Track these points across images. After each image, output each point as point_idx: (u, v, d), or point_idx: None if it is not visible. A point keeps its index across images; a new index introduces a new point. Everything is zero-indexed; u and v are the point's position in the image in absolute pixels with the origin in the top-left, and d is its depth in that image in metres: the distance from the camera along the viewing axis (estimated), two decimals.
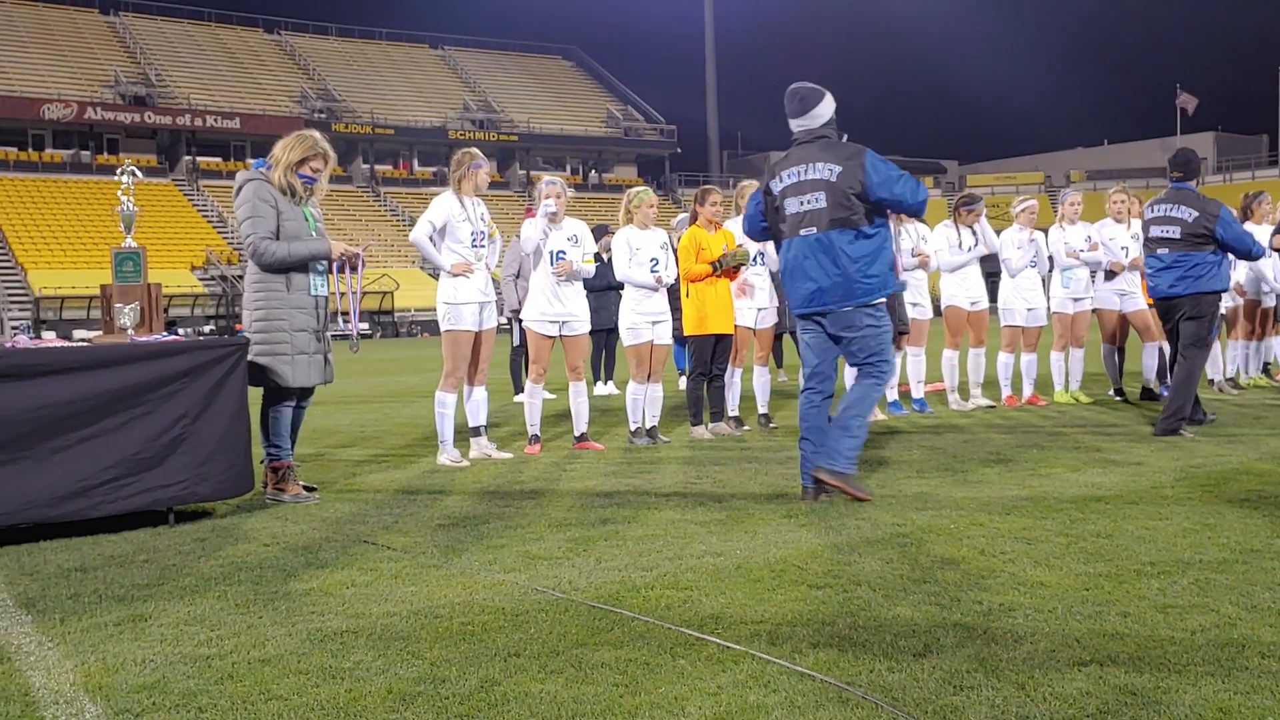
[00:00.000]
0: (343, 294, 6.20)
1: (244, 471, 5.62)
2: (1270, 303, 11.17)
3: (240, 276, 48.46)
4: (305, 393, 6.26)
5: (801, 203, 5.67)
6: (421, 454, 7.95)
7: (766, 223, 5.98)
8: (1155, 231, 7.92)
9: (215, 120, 60.52)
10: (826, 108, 5.77)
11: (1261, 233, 11.07)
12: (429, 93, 71.87)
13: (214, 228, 55.61)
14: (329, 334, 6.24)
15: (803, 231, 5.67)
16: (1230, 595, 3.71)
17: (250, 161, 6.15)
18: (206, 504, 5.73)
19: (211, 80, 64.67)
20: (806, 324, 5.87)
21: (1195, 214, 7.74)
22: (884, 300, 5.74)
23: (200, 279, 49.87)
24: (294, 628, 3.64)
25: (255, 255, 5.94)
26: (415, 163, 68.27)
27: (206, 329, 40.67)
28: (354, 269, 6.24)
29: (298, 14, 77.36)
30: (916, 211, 5.79)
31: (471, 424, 7.62)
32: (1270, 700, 2.79)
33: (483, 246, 7.30)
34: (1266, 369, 11.72)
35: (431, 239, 7.24)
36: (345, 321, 6.31)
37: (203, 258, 51.53)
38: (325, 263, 6.10)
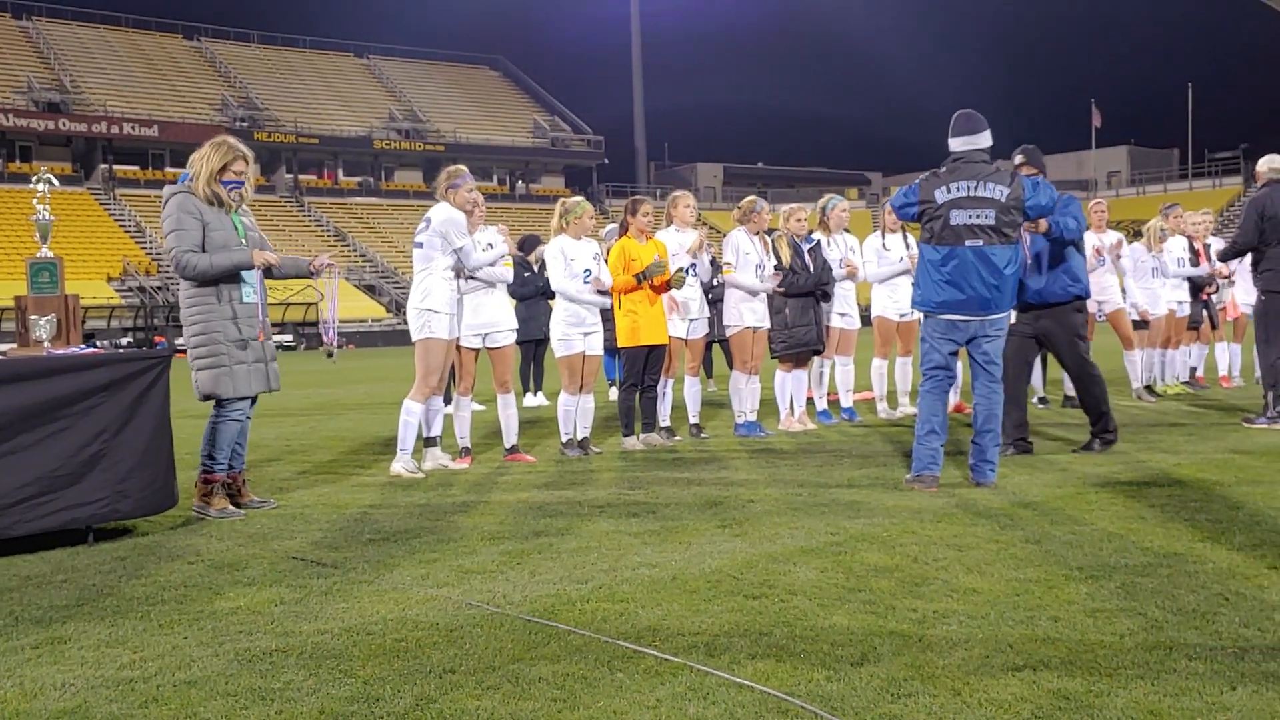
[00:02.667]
0: (316, 301, 6.22)
1: (167, 487, 5.48)
2: (1184, 312, 11.49)
3: (159, 288, 47.55)
4: (250, 402, 6.15)
5: (970, 216, 6.21)
6: (351, 468, 7.82)
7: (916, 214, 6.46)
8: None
9: (133, 128, 59.19)
10: (989, 134, 6.39)
11: (1176, 244, 11.41)
12: (354, 102, 71.11)
13: (132, 238, 54.36)
14: (270, 341, 6.12)
15: (969, 243, 6.20)
16: (1156, 599, 3.79)
17: (178, 173, 6.03)
18: (128, 522, 5.57)
19: (129, 87, 63.28)
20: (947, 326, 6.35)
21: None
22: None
23: (118, 290, 48.68)
24: (221, 648, 3.54)
25: (179, 269, 5.86)
26: (340, 172, 67.43)
27: (125, 341, 39.65)
28: (316, 275, 6.27)
29: (218, 21, 76.03)
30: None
31: (427, 434, 7.55)
32: (1198, 702, 2.85)
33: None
34: (1193, 374, 12.05)
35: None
36: (325, 331, 6.35)
37: (120, 268, 50.34)
38: (253, 272, 5.98)
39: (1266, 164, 8.90)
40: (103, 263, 50.30)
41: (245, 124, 62.60)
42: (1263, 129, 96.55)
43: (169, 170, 59.08)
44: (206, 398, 5.94)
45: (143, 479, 5.36)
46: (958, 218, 6.21)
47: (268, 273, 6.35)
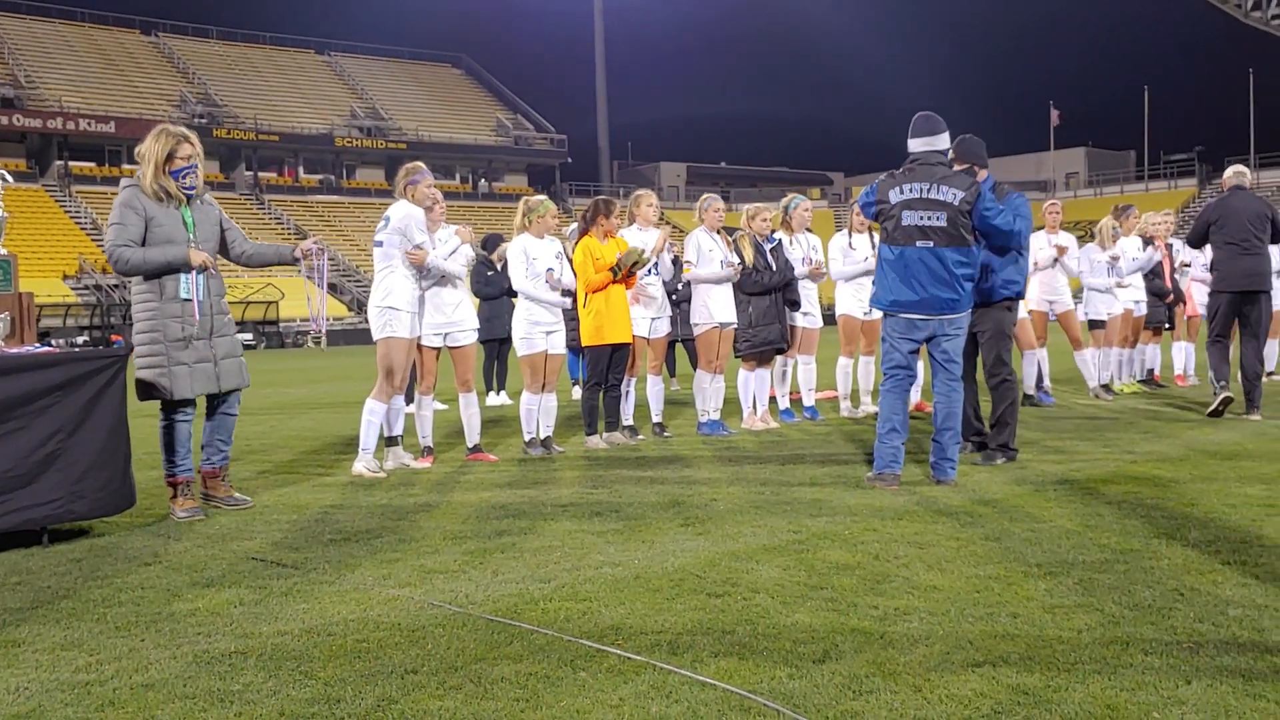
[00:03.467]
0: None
1: (123, 488, 5.40)
2: (1141, 311, 11.64)
3: (116, 285, 46.91)
4: (222, 399, 6.06)
5: (921, 217, 6.27)
6: (312, 468, 7.76)
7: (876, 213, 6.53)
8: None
9: (89, 124, 58.41)
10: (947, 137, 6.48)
11: (1130, 244, 11.54)
12: (315, 99, 70.55)
13: (88, 235, 53.63)
14: (224, 337, 6.03)
15: (919, 244, 6.26)
16: (1113, 594, 3.84)
17: (135, 170, 5.93)
18: (84, 523, 5.49)
19: (85, 82, 62.43)
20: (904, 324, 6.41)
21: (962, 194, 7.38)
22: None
23: (73, 288, 48.03)
24: (178, 650, 3.50)
25: (112, 263, 5.78)
26: (301, 170, 66.89)
27: (81, 340, 39.07)
28: (308, 263, 6.29)
29: (177, 16, 74.96)
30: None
31: (388, 433, 7.50)
32: (1154, 697, 2.89)
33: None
34: (1150, 374, 12.20)
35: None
36: (313, 320, 6.33)
37: (76, 266, 49.65)
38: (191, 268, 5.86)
39: (1232, 173, 9.44)
40: (58, 260, 49.60)
41: (204, 120, 61.96)
42: (1217, 132, 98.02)
43: (125, 167, 58.31)
44: (144, 398, 5.80)
45: (99, 479, 5.28)
46: (909, 218, 6.28)
47: (248, 262, 6.30)
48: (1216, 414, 8.96)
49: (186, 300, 5.81)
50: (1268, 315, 9.31)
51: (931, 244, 6.24)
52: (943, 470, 6.31)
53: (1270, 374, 12.68)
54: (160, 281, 5.77)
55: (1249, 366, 9.10)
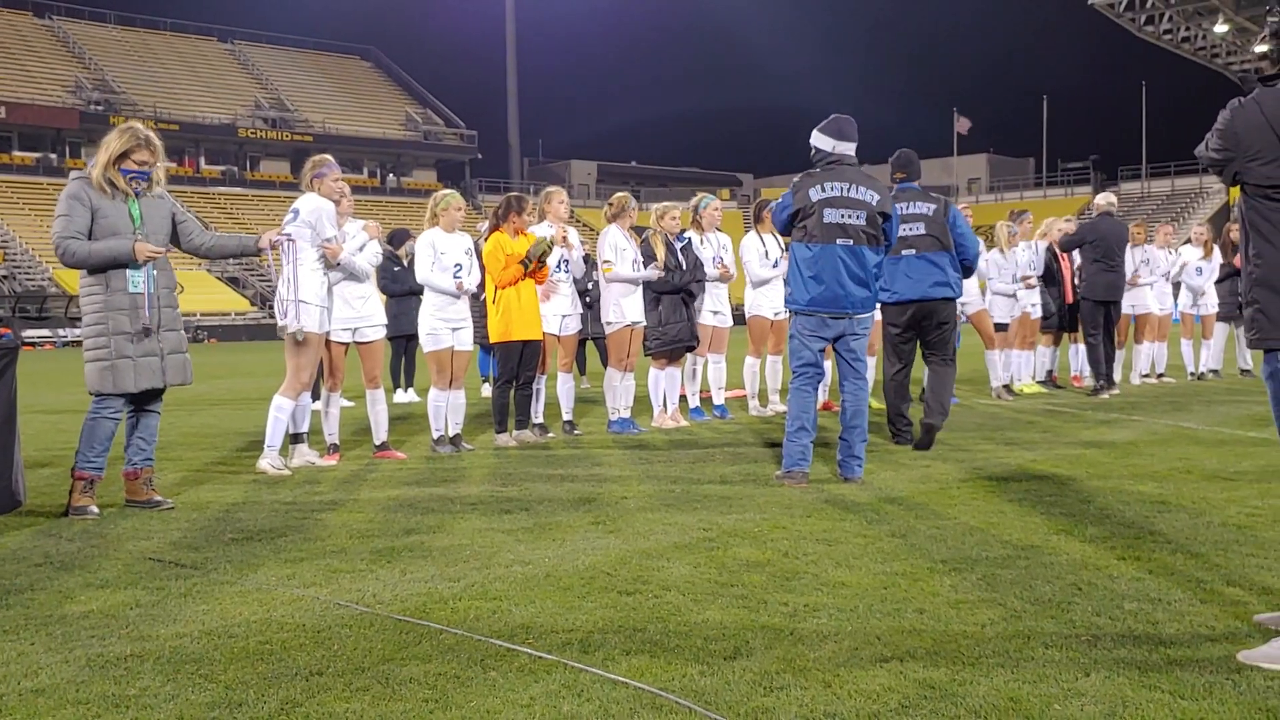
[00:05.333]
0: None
1: (9, 488, 5.20)
2: (1037, 314, 11.93)
3: (5, 277, 45.21)
4: (148, 397, 5.90)
5: (843, 215, 6.36)
6: (213, 465, 7.56)
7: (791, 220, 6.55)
8: (899, 231, 7.36)
9: None
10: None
11: (1023, 246, 11.83)
12: (217, 88, 68.81)
13: None
14: (172, 331, 5.86)
15: (840, 241, 6.33)
16: (1015, 589, 3.92)
17: (27, 156, 5.82)
18: None
19: None
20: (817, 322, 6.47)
21: (934, 206, 7.79)
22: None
23: None
24: (71, 654, 3.38)
25: (58, 255, 5.68)
26: (202, 161, 65.20)
27: None
28: (276, 255, 6.29)
29: None
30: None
31: (293, 430, 7.34)
32: (1055, 689, 2.95)
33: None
34: (1050, 377, 12.51)
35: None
36: (284, 309, 6.60)
37: None
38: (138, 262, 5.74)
39: (1104, 200, 11.69)
40: None
41: (100, 107, 60.03)
42: (1111, 142, 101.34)
43: (17, 154, 56.31)
44: (91, 391, 5.71)
45: None
46: (830, 216, 6.34)
47: (206, 254, 6.20)
48: (1096, 393, 11.08)
49: (134, 293, 5.71)
50: (1118, 317, 11.48)
51: (851, 242, 6.32)
52: (850, 468, 6.40)
53: (1160, 375, 13.16)
54: (107, 275, 5.68)
55: (1108, 357, 11.32)
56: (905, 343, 8.00)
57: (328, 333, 7.26)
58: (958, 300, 8.16)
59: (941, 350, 7.92)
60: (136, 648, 3.42)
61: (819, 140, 6.52)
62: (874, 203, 6.37)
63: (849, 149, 6.51)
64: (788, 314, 10.11)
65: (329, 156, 7.41)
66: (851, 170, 6.46)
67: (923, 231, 7.77)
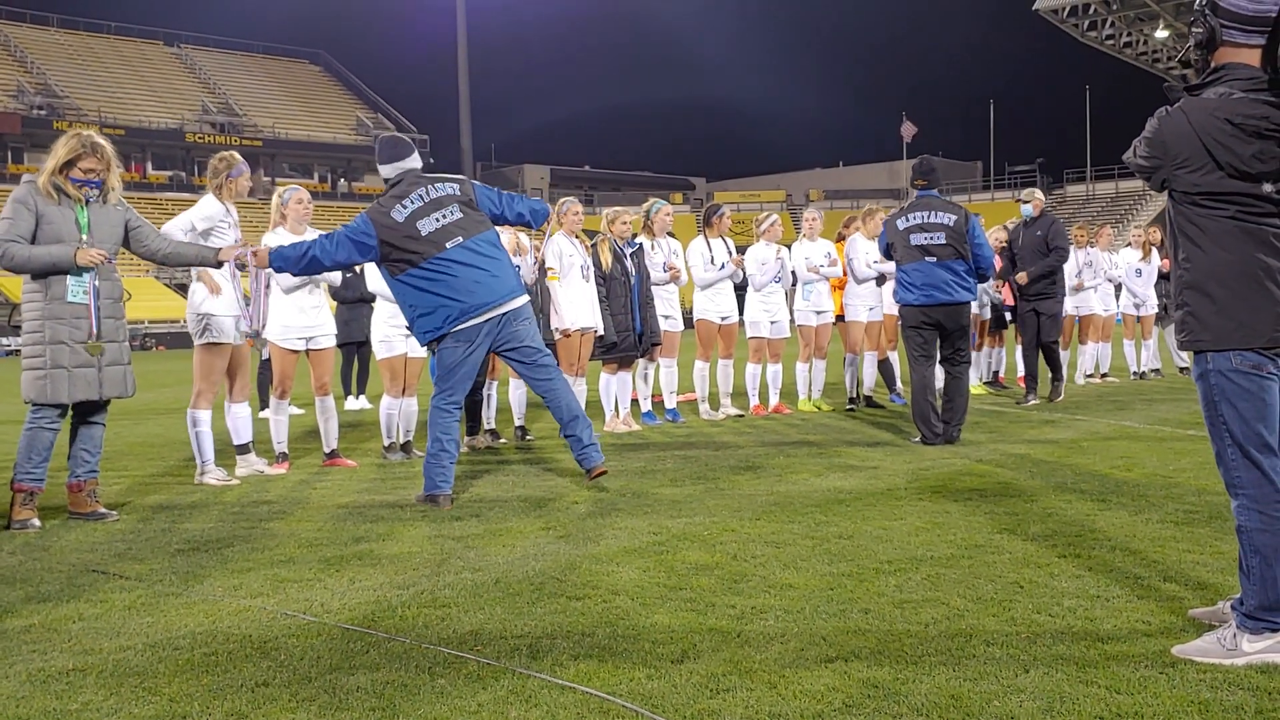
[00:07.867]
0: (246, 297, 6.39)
1: None
2: (986, 315, 12.10)
3: None
4: (91, 408, 5.82)
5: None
6: (158, 475, 7.47)
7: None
8: (919, 239, 8.08)
9: None
10: None
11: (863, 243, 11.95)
12: (164, 92, 67.96)
13: None
14: (113, 343, 5.77)
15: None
16: (958, 589, 3.98)
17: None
18: None
19: None
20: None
21: (954, 217, 8.11)
22: None
23: None
24: (11, 669, 3.33)
25: None
26: (149, 166, 64.33)
27: None
28: (242, 268, 6.22)
29: (13, 1, 71.22)
30: None
31: (237, 441, 7.29)
32: (995, 686, 3.01)
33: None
34: (996, 378, 12.67)
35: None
36: (249, 320, 6.51)
37: None
38: (83, 270, 5.66)
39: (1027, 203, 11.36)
40: None
41: (44, 112, 59.08)
42: (1057, 145, 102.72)
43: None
44: (28, 401, 5.64)
45: None
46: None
47: (163, 260, 6.14)
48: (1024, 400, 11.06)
49: (73, 303, 5.61)
50: (1053, 323, 11.45)
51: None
52: (589, 458, 6.23)
53: (1105, 375, 13.38)
54: (47, 281, 5.61)
55: (1030, 361, 11.40)
56: (928, 343, 8.25)
57: (236, 341, 7.09)
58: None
59: (959, 352, 8.25)
60: (79, 661, 3.39)
61: (386, 171, 6.31)
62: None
63: (401, 165, 6.26)
64: (735, 318, 10.20)
65: (238, 154, 7.24)
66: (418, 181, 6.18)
67: (943, 241, 8.07)
